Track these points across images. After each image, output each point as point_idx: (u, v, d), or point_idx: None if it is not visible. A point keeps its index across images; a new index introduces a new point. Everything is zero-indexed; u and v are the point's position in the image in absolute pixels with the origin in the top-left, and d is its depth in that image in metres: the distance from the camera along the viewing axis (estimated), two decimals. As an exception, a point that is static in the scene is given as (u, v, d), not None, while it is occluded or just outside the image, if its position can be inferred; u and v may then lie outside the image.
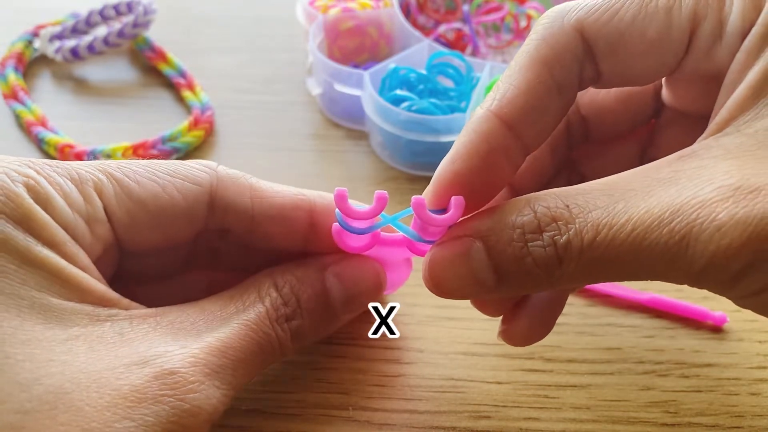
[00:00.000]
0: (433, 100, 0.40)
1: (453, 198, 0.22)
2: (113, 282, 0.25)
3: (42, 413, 0.18)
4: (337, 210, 0.23)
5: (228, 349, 0.22)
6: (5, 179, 0.21)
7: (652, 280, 0.20)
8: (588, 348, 0.31)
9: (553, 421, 0.28)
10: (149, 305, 0.24)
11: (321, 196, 0.26)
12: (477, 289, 0.22)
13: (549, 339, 0.31)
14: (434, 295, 0.23)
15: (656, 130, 0.27)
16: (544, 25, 0.23)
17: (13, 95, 0.44)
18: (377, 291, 0.27)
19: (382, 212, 0.23)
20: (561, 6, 0.23)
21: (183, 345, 0.21)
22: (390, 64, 0.42)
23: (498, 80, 0.23)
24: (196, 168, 0.25)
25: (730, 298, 0.20)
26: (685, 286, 0.33)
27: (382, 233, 0.26)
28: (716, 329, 0.32)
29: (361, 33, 0.46)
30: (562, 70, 0.22)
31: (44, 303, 0.20)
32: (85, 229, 0.22)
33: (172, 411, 0.20)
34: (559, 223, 0.20)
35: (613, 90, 0.27)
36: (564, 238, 0.20)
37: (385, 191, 0.23)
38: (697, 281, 0.19)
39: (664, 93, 0.26)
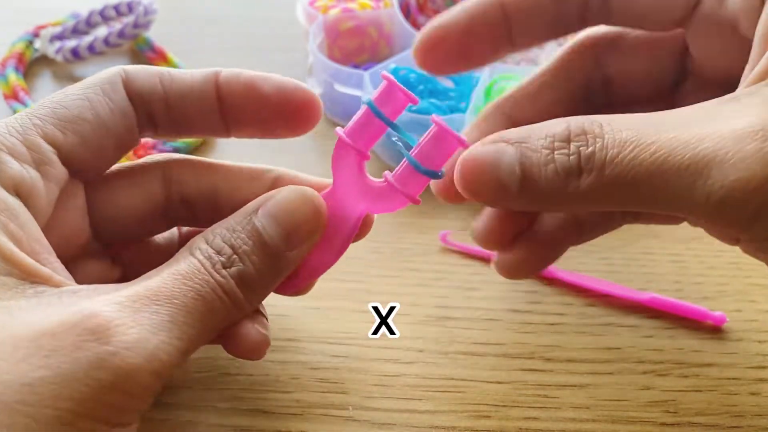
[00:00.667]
0: (433, 100, 0.40)
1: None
2: (91, 246, 0.26)
3: None
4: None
5: (157, 294, 0.21)
6: None
7: (665, 210, 0.20)
8: (588, 348, 0.31)
9: (553, 420, 0.28)
10: (146, 267, 0.24)
11: (224, 70, 0.26)
12: (501, 193, 0.22)
13: (549, 339, 0.31)
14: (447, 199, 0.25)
15: (679, 100, 0.28)
16: None
17: (13, 95, 0.44)
18: (316, 219, 0.25)
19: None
20: None
21: (108, 296, 0.20)
22: (390, 64, 0.42)
23: None
24: (103, 73, 0.25)
25: (743, 242, 0.20)
26: (685, 287, 0.34)
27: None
28: (716, 329, 0.32)
29: (361, 33, 0.46)
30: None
31: None
32: (36, 175, 0.22)
33: (94, 356, 0.18)
34: (588, 135, 0.21)
35: (640, 49, 0.27)
36: (589, 149, 0.20)
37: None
38: (712, 214, 0.19)
39: (691, 48, 0.26)
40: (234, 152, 0.42)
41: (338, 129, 0.25)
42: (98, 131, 0.24)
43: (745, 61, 0.22)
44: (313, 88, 0.44)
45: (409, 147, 0.24)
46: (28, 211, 0.22)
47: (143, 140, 0.41)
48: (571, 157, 0.21)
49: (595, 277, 0.34)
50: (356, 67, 0.45)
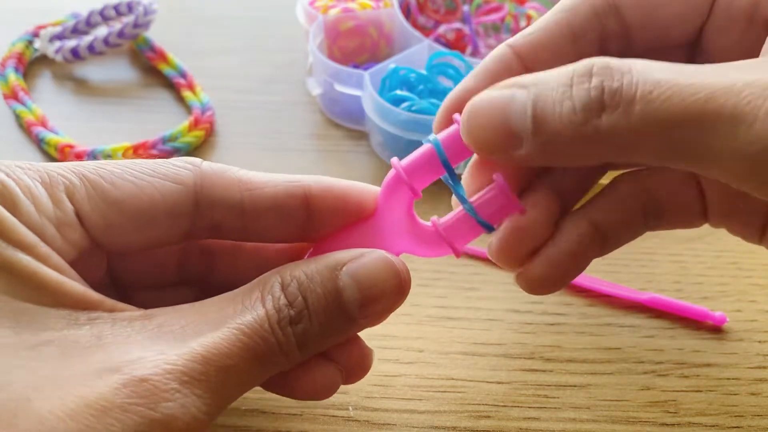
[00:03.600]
0: (433, 100, 0.40)
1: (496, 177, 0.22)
2: (107, 288, 0.24)
3: (2, 422, 0.17)
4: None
5: (214, 355, 0.20)
6: None
7: (697, 163, 0.18)
8: (588, 348, 0.31)
9: (553, 421, 0.28)
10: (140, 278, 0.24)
11: (317, 180, 0.24)
12: (509, 140, 0.20)
13: (549, 339, 0.31)
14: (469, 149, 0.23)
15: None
16: None
17: (13, 95, 0.44)
18: (399, 296, 0.24)
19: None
20: None
21: (161, 351, 0.20)
22: (390, 64, 0.42)
23: None
24: (177, 166, 0.24)
25: None
26: (685, 287, 0.34)
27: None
28: (716, 329, 0.32)
29: (361, 33, 0.46)
30: (579, 18, 0.23)
31: (15, 307, 0.19)
32: (55, 233, 0.21)
33: (140, 421, 0.18)
34: (614, 70, 0.19)
35: None
36: (616, 83, 0.18)
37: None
38: (754, 167, 0.17)
39: (705, 44, 0.25)
40: (234, 152, 0.42)
41: (395, 160, 0.23)
42: (135, 223, 0.23)
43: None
44: (313, 88, 0.44)
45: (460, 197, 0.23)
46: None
47: (142, 140, 0.41)
48: (593, 91, 0.19)
49: (595, 277, 0.34)
50: (356, 67, 0.45)
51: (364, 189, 0.24)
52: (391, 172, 0.24)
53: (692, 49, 0.25)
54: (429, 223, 0.24)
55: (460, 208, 0.24)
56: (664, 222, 0.27)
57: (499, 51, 0.24)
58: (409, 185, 0.23)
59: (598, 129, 0.19)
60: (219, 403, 0.20)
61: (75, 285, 0.20)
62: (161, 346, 0.20)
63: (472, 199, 0.23)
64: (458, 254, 0.24)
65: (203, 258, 0.26)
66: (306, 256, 0.25)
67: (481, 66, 0.24)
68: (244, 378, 0.21)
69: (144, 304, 0.23)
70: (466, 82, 0.24)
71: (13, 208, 0.20)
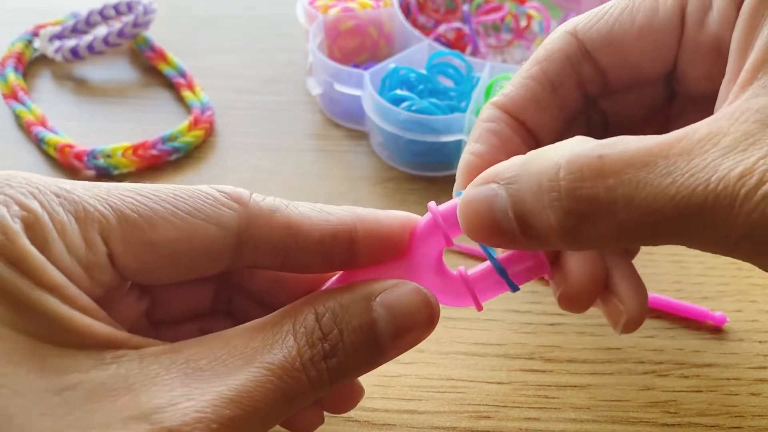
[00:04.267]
0: (433, 100, 0.40)
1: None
2: (141, 319, 0.24)
3: None
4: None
5: (243, 398, 0.19)
6: (5, 214, 0.19)
7: (682, 244, 0.19)
8: (588, 348, 0.31)
9: (553, 421, 0.28)
10: (176, 301, 0.24)
11: (362, 219, 0.23)
12: (501, 237, 0.20)
13: (549, 339, 0.31)
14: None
15: (671, 117, 0.27)
16: (548, 36, 0.25)
17: (13, 95, 0.44)
18: (429, 328, 0.23)
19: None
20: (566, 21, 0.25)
21: (189, 395, 0.19)
22: (390, 64, 0.42)
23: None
24: (222, 206, 0.22)
25: None
26: (685, 287, 0.34)
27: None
28: (716, 329, 0.32)
29: (361, 33, 0.46)
30: (554, 67, 0.24)
31: (41, 350, 0.19)
32: (83, 275, 0.20)
33: None
34: (587, 175, 0.18)
35: (626, 91, 0.26)
36: (591, 191, 0.18)
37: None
38: (737, 249, 0.18)
39: (679, 74, 0.25)
40: (234, 152, 0.42)
41: (432, 205, 0.23)
42: (170, 265, 0.22)
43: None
44: (313, 88, 0.44)
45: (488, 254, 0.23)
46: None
47: (142, 140, 0.41)
48: (565, 202, 0.18)
49: (595, 277, 0.34)
50: (356, 66, 0.45)
51: (405, 228, 0.24)
52: (428, 217, 0.23)
53: (669, 78, 0.25)
54: (456, 272, 0.24)
55: (488, 262, 0.24)
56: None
57: (488, 112, 0.25)
58: (444, 233, 0.23)
59: (582, 234, 0.19)
60: None
61: (101, 326, 0.20)
62: (189, 387, 0.19)
63: (500, 257, 0.23)
64: (479, 308, 0.24)
65: (234, 288, 0.26)
66: (330, 282, 0.25)
67: (479, 129, 0.25)
68: (272, 417, 0.20)
69: (159, 294, 0.24)
70: (474, 147, 0.25)
71: (44, 246, 0.20)
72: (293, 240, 0.22)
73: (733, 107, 0.19)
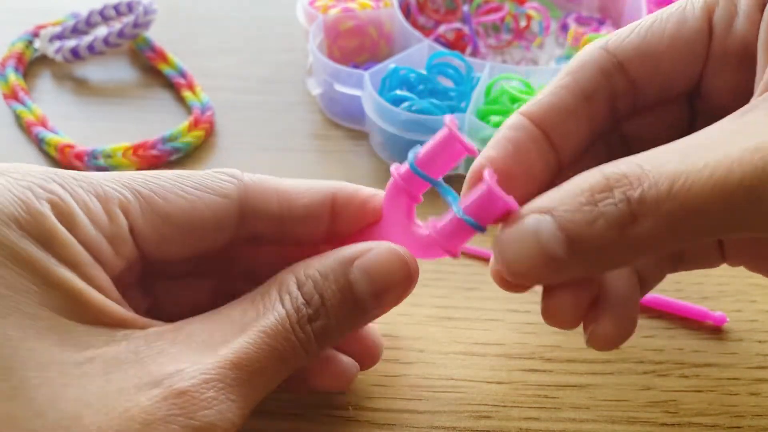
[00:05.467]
0: (433, 100, 0.40)
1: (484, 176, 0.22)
2: (140, 278, 0.25)
3: None
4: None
5: (244, 361, 0.21)
6: (30, 196, 0.21)
7: (738, 232, 0.19)
8: (588, 348, 0.31)
9: (553, 421, 0.28)
10: (176, 300, 0.26)
11: (340, 188, 0.26)
12: (550, 266, 0.20)
13: (549, 339, 0.31)
14: (505, 288, 0.24)
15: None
16: (577, 54, 0.25)
17: (13, 95, 0.44)
18: (408, 283, 0.25)
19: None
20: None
21: (195, 361, 0.21)
22: (390, 64, 0.42)
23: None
24: (223, 180, 0.25)
25: None
26: (685, 287, 0.34)
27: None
28: (716, 329, 0.32)
29: (361, 33, 0.46)
30: (586, 77, 0.24)
31: (61, 325, 0.20)
32: (108, 248, 0.22)
33: (182, 431, 0.19)
34: (630, 177, 0.19)
35: (663, 42, 0.25)
36: (638, 191, 0.19)
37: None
38: None
39: (703, 88, 0.25)
40: (234, 152, 0.42)
41: (393, 168, 0.25)
42: (184, 236, 0.24)
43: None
44: (313, 88, 0.44)
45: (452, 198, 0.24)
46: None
47: (142, 140, 0.41)
48: (620, 205, 0.19)
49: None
50: (356, 66, 0.45)
51: (379, 193, 0.26)
52: (391, 180, 0.24)
53: (691, 97, 0.26)
54: (426, 227, 0.24)
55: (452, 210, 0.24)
56: (684, 266, 0.28)
57: (513, 120, 0.24)
58: (406, 190, 0.24)
59: (639, 237, 0.19)
60: (250, 405, 0.22)
61: (114, 305, 0.22)
62: (194, 356, 0.21)
63: (462, 202, 0.23)
64: (454, 255, 0.24)
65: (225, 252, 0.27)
66: None
67: (499, 136, 0.24)
68: (271, 377, 0.22)
69: (161, 292, 0.26)
70: (488, 152, 0.24)
71: (71, 222, 0.21)
72: (286, 206, 0.25)
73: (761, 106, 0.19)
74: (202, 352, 0.21)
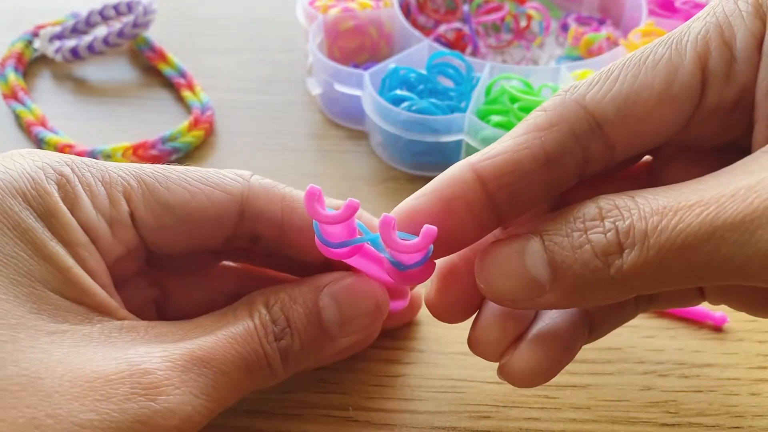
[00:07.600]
0: (433, 100, 0.40)
1: (424, 227, 0.20)
2: (142, 271, 0.26)
3: (9, 392, 0.18)
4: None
5: (209, 358, 0.22)
6: (40, 175, 0.22)
7: (722, 278, 0.18)
8: (588, 348, 0.31)
9: (553, 421, 0.28)
10: (178, 295, 0.27)
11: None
12: (530, 288, 0.20)
13: (549, 339, 0.31)
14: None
15: (656, 166, 0.25)
16: (550, 99, 0.22)
17: (13, 95, 0.44)
18: (376, 315, 0.25)
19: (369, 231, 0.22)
20: (568, 84, 0.22)
21: (164, 349, 0.21)
22: (390, 64, 0.42)
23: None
24: (228, 177, 0.25)
25: None
26: (685, 286, 0.34)
27: (366, 246, 0.24)
28: (716, 329, 0.32)
29: (361, 33, 0.46)
30: (554, 141, 0.21)
31: (42, 295, 0.21)
32: (107, 231, 0.23)
33: (140, 410, 0.20)
34: (621, 209, 0.19)
35: (651, 101, 0.22)
36: (627, 222, 0.18)
37: (357, 201, 0.21)
38: None
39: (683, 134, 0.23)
40: (234, 152, 0.42)
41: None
42: (184, 226, 0.24)
43: (743, 129, 0.21)
44: (313, 88, 0.44)
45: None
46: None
47: (142, 140, 0.41)
48: (608, 235, 0.19)
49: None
50: (356, 66, 0.45)
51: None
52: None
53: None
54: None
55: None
56: (656, 304, 0.27)
57: (460, 171, 0.21)
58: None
59: (622, 269, 0.19)
60: (211, 407, 0.22)
61: (98, 289, 0.22)
62: (164, 345, 0.22)
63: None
64: (419, 282, 0.24)
65: (240, 251, 0.28)
66: None
67: (434, 184, 0.22)
68: (236, 384, 0.22)
69: (173, 289, 0.27)
70: (413, 202, 0.22)
71: (74, 203, 0.22)
72: (288, 212, 0.25)
73: None
74: (172, 345, 0.22)
